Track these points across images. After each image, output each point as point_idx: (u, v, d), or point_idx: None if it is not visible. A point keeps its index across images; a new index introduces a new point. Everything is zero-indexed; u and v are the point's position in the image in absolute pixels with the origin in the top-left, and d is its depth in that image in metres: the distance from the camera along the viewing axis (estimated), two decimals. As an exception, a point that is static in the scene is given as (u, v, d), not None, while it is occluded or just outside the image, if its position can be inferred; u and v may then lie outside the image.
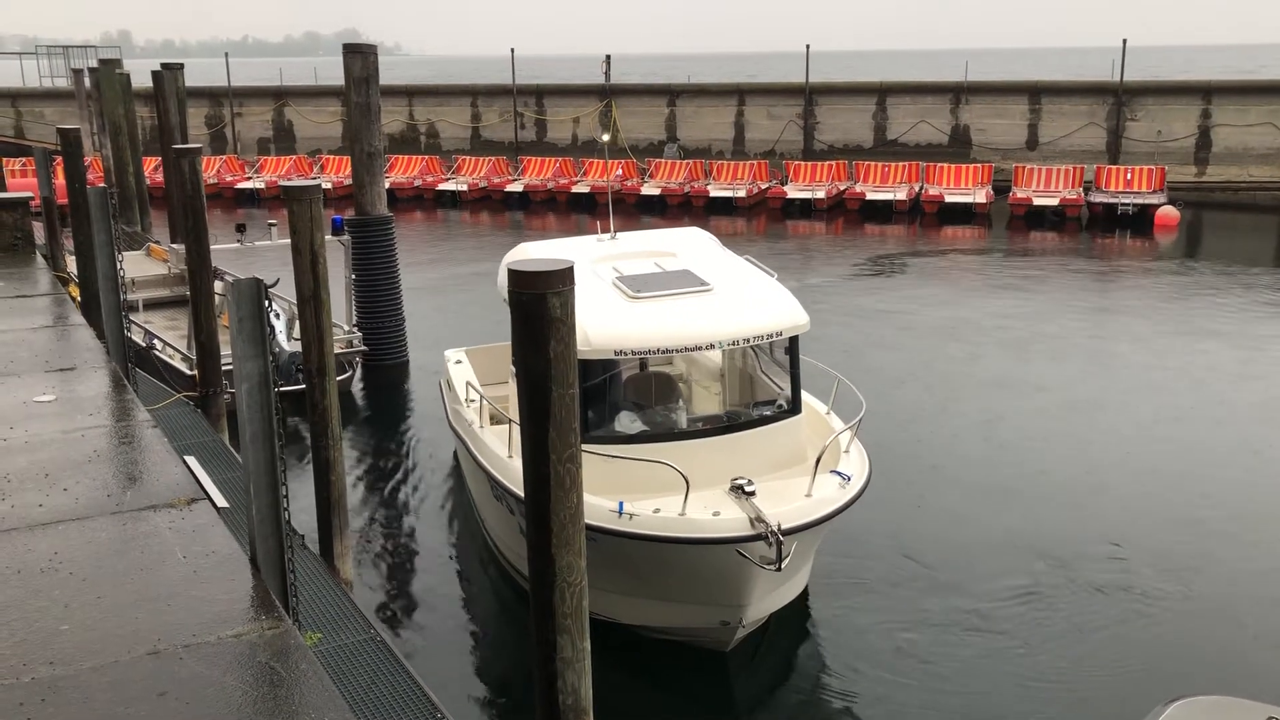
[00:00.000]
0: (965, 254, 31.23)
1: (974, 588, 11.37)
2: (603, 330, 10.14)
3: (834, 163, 39.08)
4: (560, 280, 6.00)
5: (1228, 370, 18.88)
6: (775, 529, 8.65)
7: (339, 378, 17.31)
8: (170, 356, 17.06)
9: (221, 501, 7.70)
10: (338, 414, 10.62)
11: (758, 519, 8.92)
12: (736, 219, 36.25)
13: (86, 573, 5.46)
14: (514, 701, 9.85)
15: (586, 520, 9.35)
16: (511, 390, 12.38)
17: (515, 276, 6.00)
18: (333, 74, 59.80)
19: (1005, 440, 15.63)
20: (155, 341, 17.36)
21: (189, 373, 16.25)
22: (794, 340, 10.78)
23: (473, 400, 12.81)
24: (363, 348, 17.87)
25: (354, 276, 18.07)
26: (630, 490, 9.62)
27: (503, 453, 10.91)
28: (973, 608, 10.97)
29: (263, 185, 41.17)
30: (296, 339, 17.97)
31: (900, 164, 38.26)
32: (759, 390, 11.52)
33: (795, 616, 10.75)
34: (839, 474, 9.91)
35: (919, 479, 14.05)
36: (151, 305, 20.50)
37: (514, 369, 12.25)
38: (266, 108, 48.72)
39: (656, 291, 10.77)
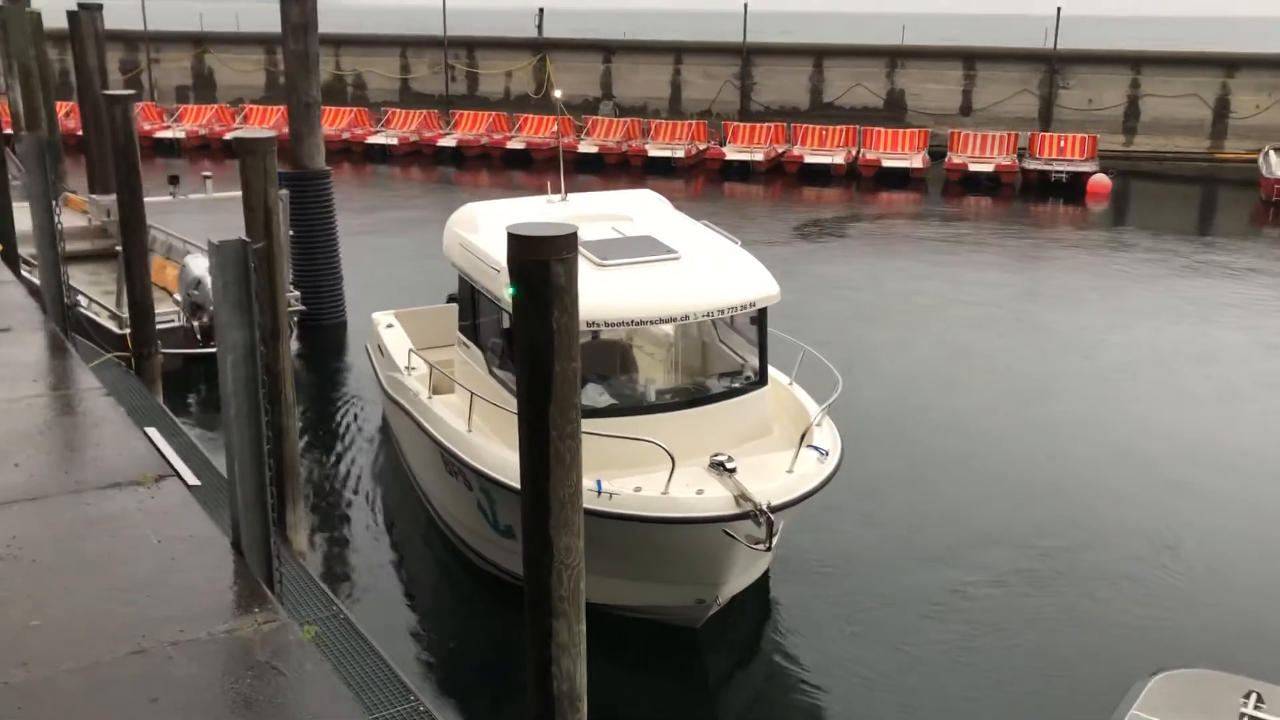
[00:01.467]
0: (903, 219, 31.30)
1: (942, 561, 11.30)
2: None
3: (772, 125, 38.82)
4: (564, 246, 5.63)
5: (1183, 338, 19.14)
6: (765, 507, 8.40)
7: (277, 339, 16.74)
8: (97, 314, 16.25)
9: (192, 479, 7.22)
10: (291, 378, 10.10)
11: (742, 497, 8.67)
12: (674, 180, 35.82)
13: (51, 560, 5.00)
14: (478, 678, 9.53)
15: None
16: (457, 357, 11.93)
17: (517, 242, 5.62)
18: (256, 20, 57.88)
19: (949, 411, 15.61)
20: (79, 298, 16.51)
21: (119, 332, 15.48)
22: (763, 311, 10.52)
23: (414, 368, 12.30)
24: (300, 308, 17.21)
25: (291, 234, 17.34)
26: (601, 467, 9.29)
27: (459, 425, 10.48)
28: (942, 583, 10.90)
29: (183, 135, 39.68)
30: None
31: (837, 127, 38.14)
32: (715, 360, 11.22)
33: (759, 593, 10.57)
34: (815, 448, 9.70)
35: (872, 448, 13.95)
36: (71, 259, 19.52)
37: (464, 336, 11.80)
38: (185, 54, 46.91)
39: (623, 259, 10.39)
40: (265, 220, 9.63)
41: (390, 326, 13.90)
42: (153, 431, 8.56)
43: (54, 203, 10.57)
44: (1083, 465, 13.70)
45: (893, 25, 62.03)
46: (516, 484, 9.49)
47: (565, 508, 5.93)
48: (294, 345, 17.38)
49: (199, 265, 16.47)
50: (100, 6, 26.30)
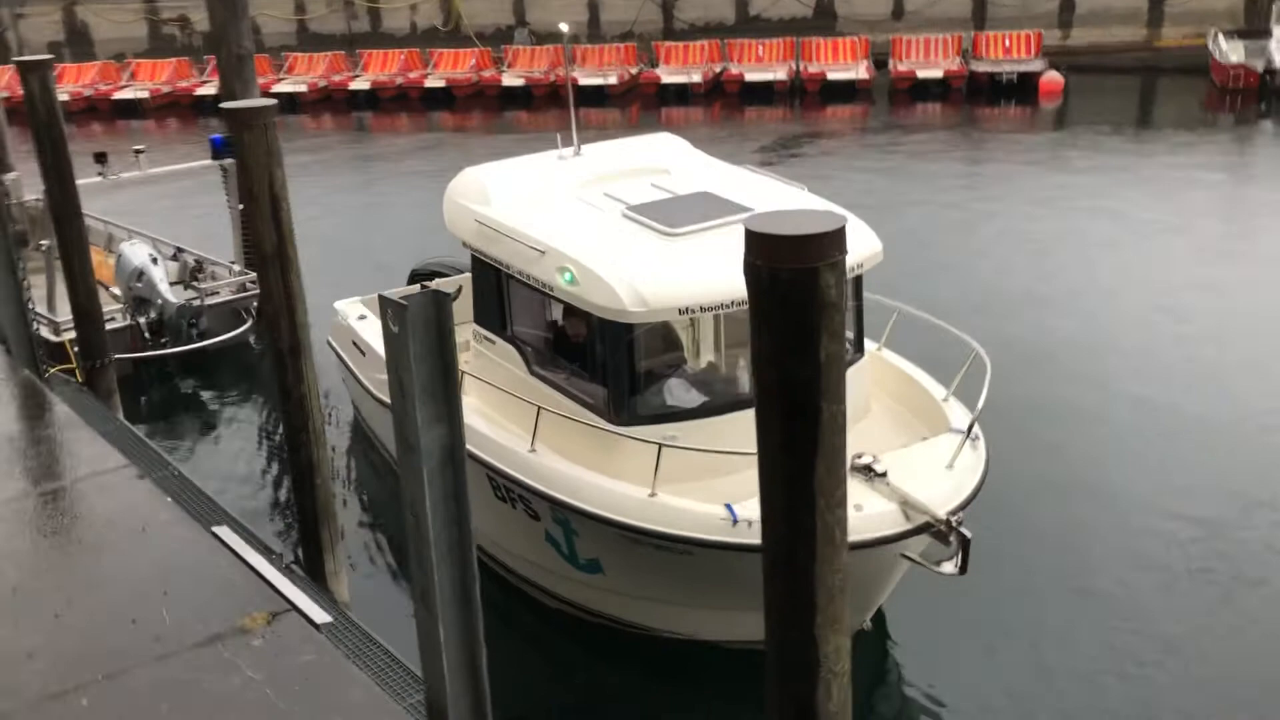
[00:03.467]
0: (856, 134, 29.93)
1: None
2: (657, 283, 8.07)
3: (706, 43, 36.85)
4: (835, 245, 3.99)
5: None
6: (952, 521, 6.93)
7: (235, 331, 14.68)
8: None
9: (318, 613, 5.33)
10: (319, 403, 8.32)
11: (909, 506, 7.20)
12: (609, 109, 33.85)
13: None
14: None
15: (688, 532, 7.56)
16: (474, 353, 10.18)
17: (759, 241, 3.98)
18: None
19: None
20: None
21: (55, 339, 13.34)
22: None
23: None
24: (258, 290, 15.10)
25: (241, 207, 15.17)
26: (681, 478, 7.74)
27: (514, 443, 8.73)
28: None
29: (66, 98, 36.23)
30: (189, 285, 15.15)
31: (774, 42, 36.32)
32: None
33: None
34: (957, 430, 8.24)
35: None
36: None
37: (485, 330, 9.88)
38: (54, 6, 42.94)
39: (694, 225, 8.71)
40: (273, 211, 7.74)
41: (364, 318, 11.83)
42: (223, 531, 6.50)
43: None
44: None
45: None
46: (603, 512, 7.95)
47: (835, 600, 4.37)
48: (251, 334, 15.36)
49: (138, 254, 14.36)
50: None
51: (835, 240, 3.98)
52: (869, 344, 9.83)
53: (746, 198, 9.29)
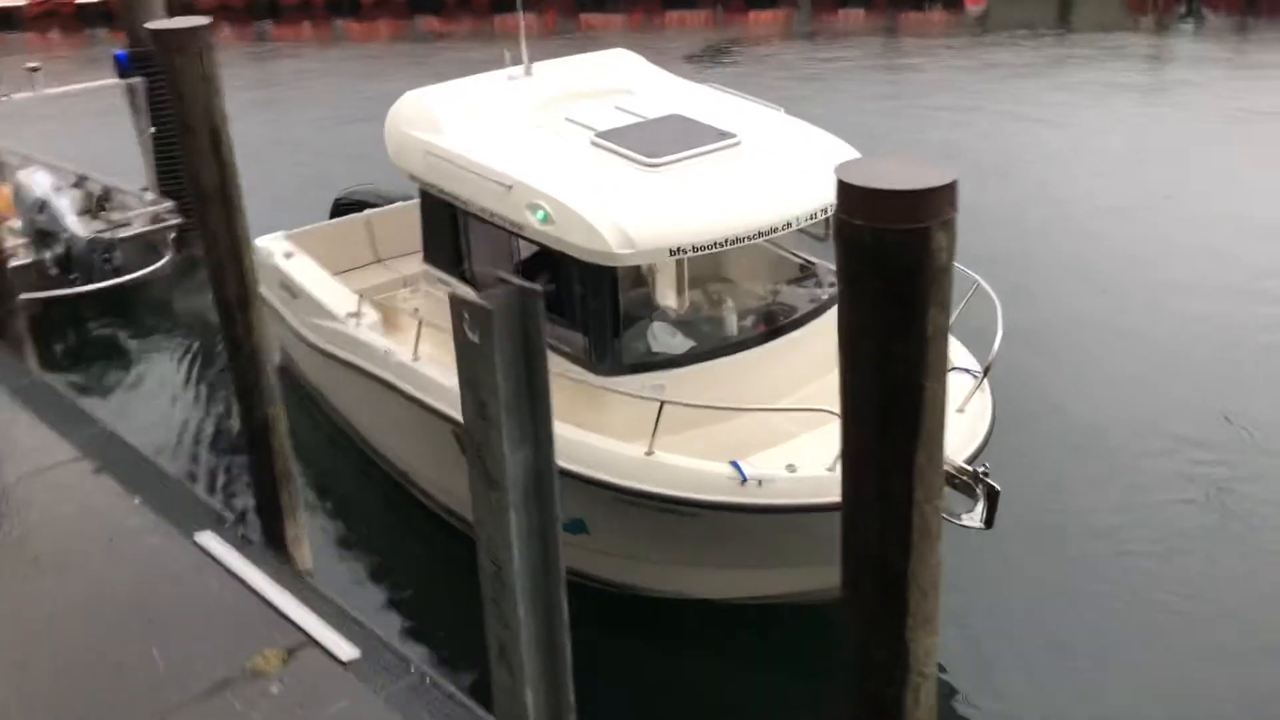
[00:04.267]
0: (780, 39, 29.21)
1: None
2: (644, 222, 7.40)
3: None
4: (947, 200, 3.42)
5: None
6: (979, 471, 6.49)
7: (152, 267, 13.60)
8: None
9: (348, 650, 4.51)
10: (269, 358, 7.54)
11: None
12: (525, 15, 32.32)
13: None
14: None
15: (693, 494, 7.00)
16: (424, 296, 9.41)
17: (859, 196, 3.40)
18: None
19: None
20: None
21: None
22: None
23: (363, 316, 9.45)
24: (176, 219, 14.00)
25: (153, 130, 13.98)
26: (669, 428, 7.17)
27: None
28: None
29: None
30: (96, 215, 13.95)
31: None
32: (784, 268, 8.97)
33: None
34: (965, 370, 7.79)
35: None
36: None
37: (439, 270, 8.96)
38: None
39: (675, 154, 8.01)
40: (213, 144, 6.86)
41: (290, 256, 10.73)
42: (207, 538, 5.66)
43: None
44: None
45: None
46: (595, 473, 7.21)
47: (929, 597, 3.88)
48: (170, 268, 14.22)
49: (39, 182, 13.17)
50: None
51: (948, 195, 3.39)
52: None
53: (724, 121, 8.62)
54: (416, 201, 11.74)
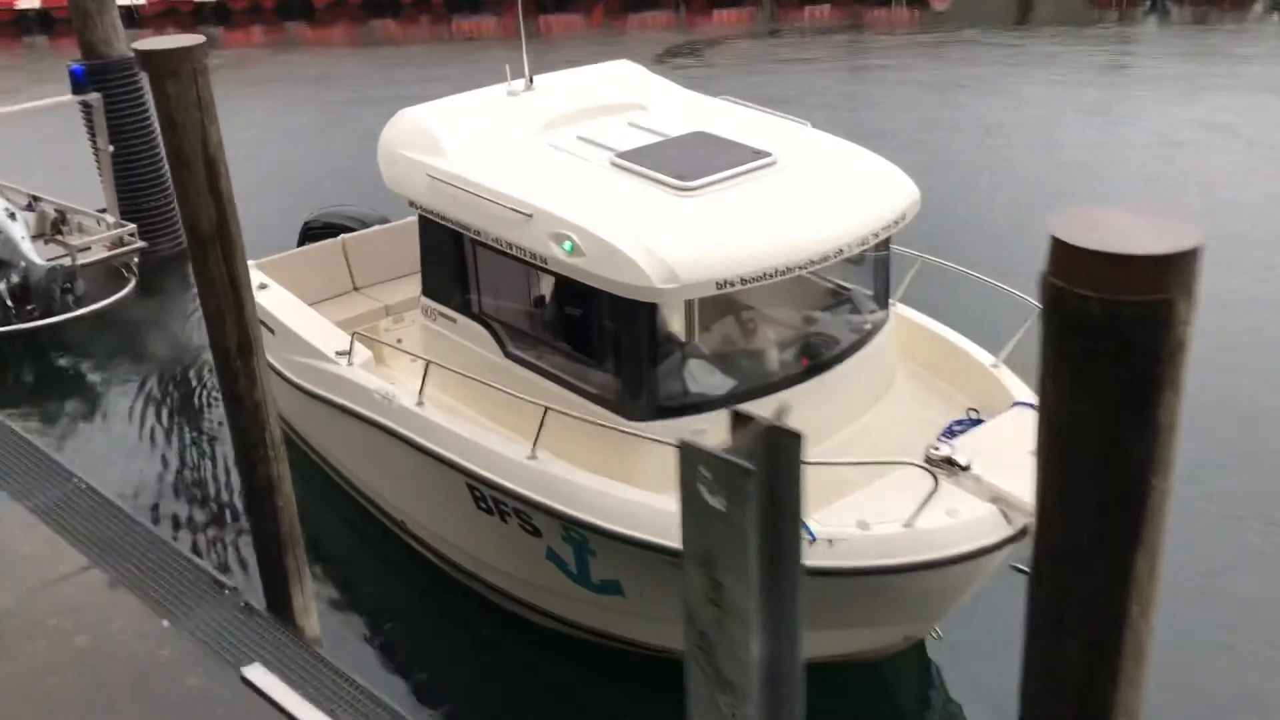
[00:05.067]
0: (745, 39, 28.70)
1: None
2: (686, 253, 6.73)
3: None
4: (1191, 266, 2.81)
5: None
6: None
7: (117, 295, 12.70)
8: None
9: None
10: (274, 408, 6.79)
11: (1005, 505, 6.19)
12: (483, 16, 31.59)
13: None
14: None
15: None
16: (422, 330, 8.66)
17: (1084, 260, 2.78)
18: None
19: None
20: None
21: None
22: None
23: (355, 355, 8.62)
24: (140, 243, 13.11)
25: (112, 149, 13.07)
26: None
27: (509, 449, 7.27)
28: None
29: None
30: (50, 240, 13.04)
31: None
32: (821, 294, 8.22)
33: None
34: (1027, 404, 7.20)
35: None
36: None
37: (440, 305, 8.12)
38: None
39: (708, 177, 7.34)
40: (209, 177, 6.11)
41: (265, 288, 9.64)
42: (256, 671, 4.95)
43: None
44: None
45: None
46: (643, 535, 6.42)
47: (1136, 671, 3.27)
48: (134, 294, 13.30)
49: (-13, 204, 12.25)
50: None
51: (1194, 259, 2.78)
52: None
53: (753, 138, 7.97)
54: (394, 225, 11.07)
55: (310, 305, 9.69)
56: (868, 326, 7.91)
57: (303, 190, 15.27)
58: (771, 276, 6.80)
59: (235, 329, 6.40)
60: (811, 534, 6.12)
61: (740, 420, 2.43)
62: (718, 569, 2.36)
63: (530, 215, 7.22)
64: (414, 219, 8.51)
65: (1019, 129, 18.99)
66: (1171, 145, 17.90)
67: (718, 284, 6.68)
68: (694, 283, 6.67)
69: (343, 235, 10.92)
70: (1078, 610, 3.11)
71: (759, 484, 2.26)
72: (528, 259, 7.35)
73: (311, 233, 11.47)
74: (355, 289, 10.86)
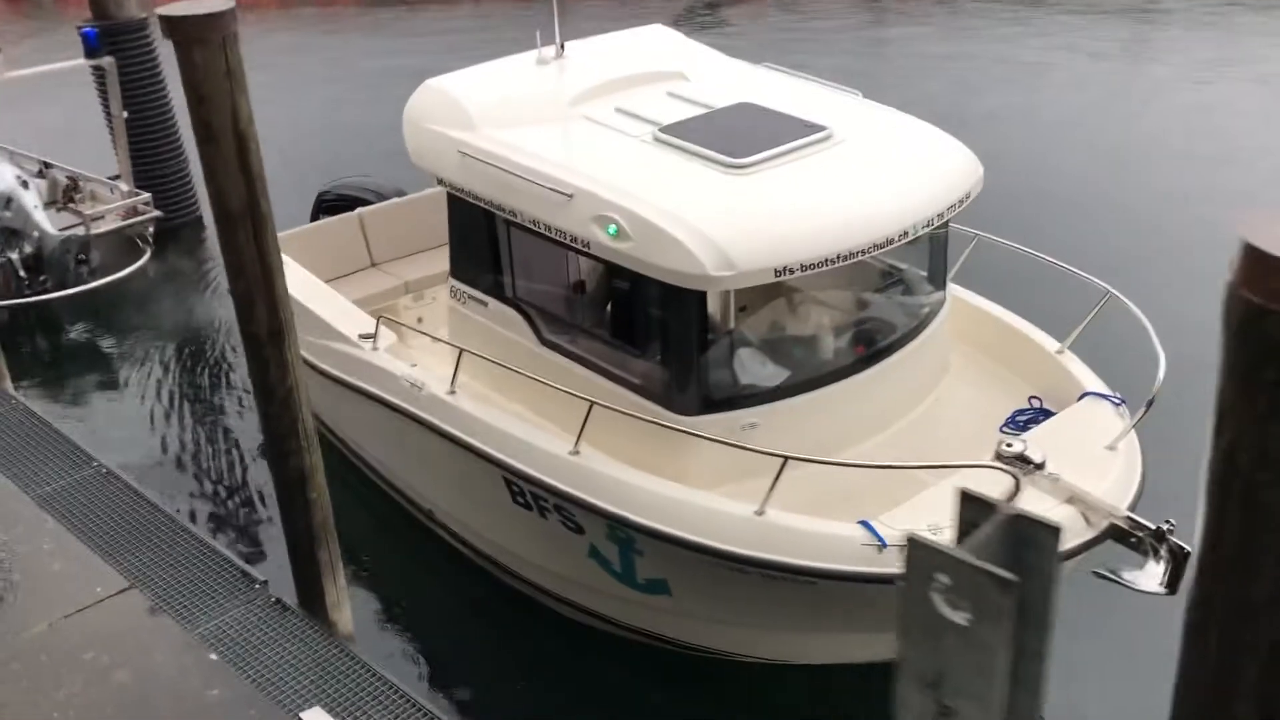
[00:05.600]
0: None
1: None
2: (743, 237, 6.32)
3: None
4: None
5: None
6: (1163, 529, 5.56)
7: (132, 267, 12.33)
8: None
9: None
10: (306, 396, 6.43)
11: (1084, 506, 5.83)
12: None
13: None
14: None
15: (821, 563, 6.00)
16: (451, 312, 8.24)
17: (1273, 270, 2.40)
18: None
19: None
20: None
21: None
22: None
23: (367, 339, 8.21)
24: (156, 213, 12.71)
25: (126, 115, 12.64)
26: (750, 471, 6.18)
27: (551, 444, 6.90)
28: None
29: None
30: (63, 208, 12.65)
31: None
32: (875, 275, 7.80)
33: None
34: (1105, 396, 6.82)
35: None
36: None
37: (470, 287, 7.75)
38: None
39: (762, 153, 6.90)
40: (239, 151, 5.72)
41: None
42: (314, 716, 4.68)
43: None
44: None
45: None
46: (698, 538, 6.06)
47: None
48: (149, 265, 12.91)
49: (3, 175, 11.90)
50: None
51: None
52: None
53: (804, 110, 7.52)
54: (412, 197, 10.63)
55: (327, 282, 9.31)
56: (925, 310, 7.52)
57: (315, 160, 14.79)
58: (833, 262, 6.40)
59: (266, 313, 6.03)
60: (881, 540, 5.77)
61: (972, 504, 2.03)
62: (947, 692, 1.97)
63: (570, 196, 6.81)
64: (433, 191, 8.08)
65: (1090, 85, 17.98)
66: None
67: (776, 271, 6.29)
68: (751, 270, 6.27)
69: (360, 209, 10.49)
70: (1253, 673, 2.74)
71: (1017, 596, 1.86)
72: (567, 242, 6.95)
73: (326, 205, 11.03)
74: (373, 265, 10.46)
